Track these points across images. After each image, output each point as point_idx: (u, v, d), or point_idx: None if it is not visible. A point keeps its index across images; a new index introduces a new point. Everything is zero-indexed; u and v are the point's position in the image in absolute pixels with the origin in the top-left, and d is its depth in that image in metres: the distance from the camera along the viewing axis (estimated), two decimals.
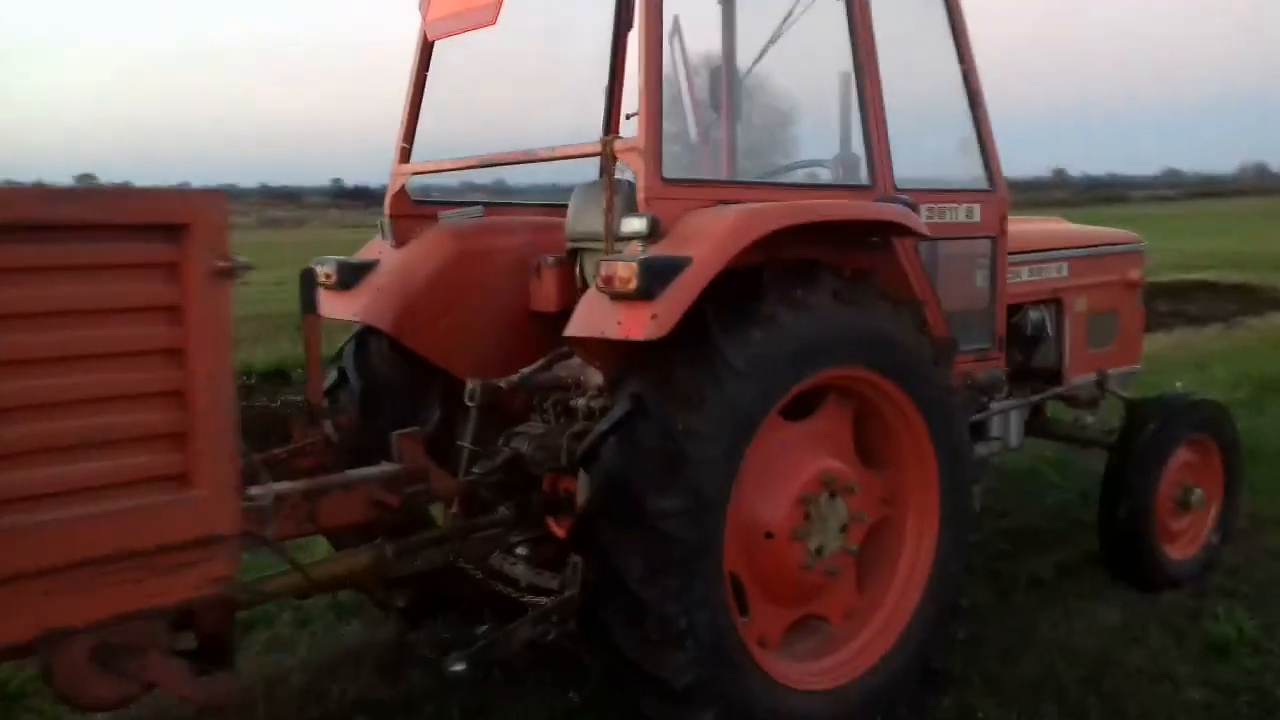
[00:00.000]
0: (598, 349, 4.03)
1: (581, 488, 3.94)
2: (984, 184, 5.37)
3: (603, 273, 3.81)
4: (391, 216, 5.10)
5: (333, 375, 5.05)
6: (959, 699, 4.64)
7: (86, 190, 3.01)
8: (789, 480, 4.20)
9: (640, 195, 4.03)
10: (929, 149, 5.57)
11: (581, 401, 4.38)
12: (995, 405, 5.70)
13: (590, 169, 5.10)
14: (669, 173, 4.12)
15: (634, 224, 3.99)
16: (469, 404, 4.61)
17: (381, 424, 4.49)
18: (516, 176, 6.01)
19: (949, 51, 5.25)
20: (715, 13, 5.80)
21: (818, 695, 4.22)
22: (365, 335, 5.04)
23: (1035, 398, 6.12)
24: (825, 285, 4.12)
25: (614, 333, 3.78)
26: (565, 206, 5.12)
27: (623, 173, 4.18)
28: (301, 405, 4.34)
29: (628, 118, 5.69)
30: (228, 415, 2.85)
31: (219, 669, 3.39)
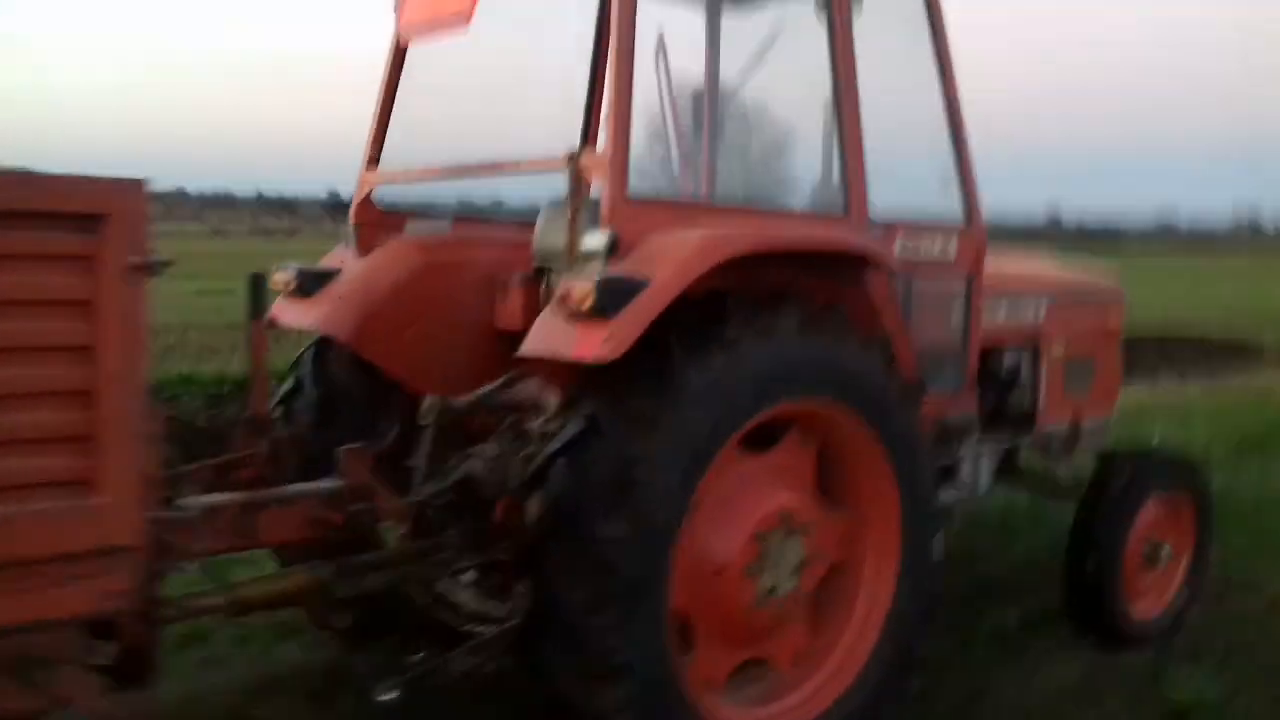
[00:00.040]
0: (554, 368, 3.93)
1: (531, 512, 3.82)
2: (962, 219, 5.28)
3: (559, 290, 3.71)
4: (356, 224, 4.99)
5: (289, 384, 4.93)
6: None
7: None
8: (744, 514, 4.08)
9: (603, 212, 3.94)
10: (908, 180, 5.48)
11: (536, 424, 4.26)
12: (965, 449, 5.60)
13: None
14: (637, 191, 4.04)
15: (593, 241, 3.89)
16: (423, 422, 4.48)
17: (337, 437, 4.35)
18: (501, 192, 5.92)
19: (934, 84, 5.19)
20: (700, 34, 5.76)
21: None
22: (325, 344, 4.91)
23: (1007, 443, 6.01)
24: (792, 314, 4.02)
25: (568, 353, 3.68)
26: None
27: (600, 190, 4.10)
28: (244, 416, 4.20)
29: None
30: (137, 419, 2.71)
31: (138, 686, 3.26)
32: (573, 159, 4.04)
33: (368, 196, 5.02)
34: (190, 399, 9.91)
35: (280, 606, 4.14)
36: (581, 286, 3.65)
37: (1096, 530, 5.71)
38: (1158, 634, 5.85)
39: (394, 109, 5.14)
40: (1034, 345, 6.04)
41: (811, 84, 4.77)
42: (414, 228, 5.07)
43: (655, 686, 3.73)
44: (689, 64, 5.83)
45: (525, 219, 5.39)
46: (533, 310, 4.86)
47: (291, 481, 4.08)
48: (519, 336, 4.64)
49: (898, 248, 4.89)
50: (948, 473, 5.47)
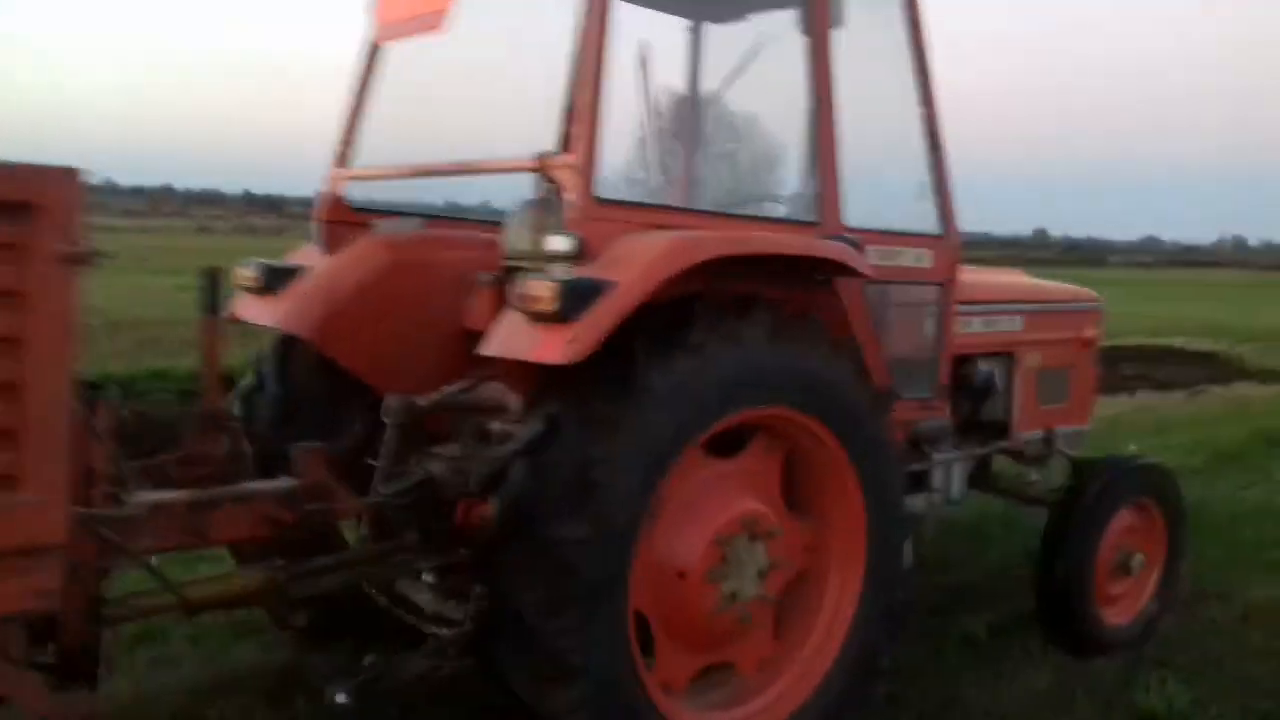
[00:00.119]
0: (515, 369, 3.88)
1: (491, 513, 3.77)
2: (937, 230, 5.27)
3: (521, 291, 3.67)
4: (323, 221, 4.93)
5: (250, 380, 4.86)
6: None
7: None
8: (707, 519, 4.05)
9: (570, 214, 3.90)
10: (885, 191, 5.48)
11: (499, 425, 4.22)
12: (937, 456, 5.58)
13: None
14: (606, 193, 4.00)
15: (558, 243, 3.85)
16: (385, 421, 4.43)
17: (299, 435, 4.30)
18: (483, 193, 5.87)
19: (913, 97, 5.19)
20: (682, 44, 5.78)
21: None
22: (289, 342, 4.85)
23: (980, 451, 5.99)
24: (760, 320, 3.99)
25: (529, 354, 3.63)
26: None
27: None
28: (197, 411, 4.13)
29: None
30: (65, 414, 2.64)
31: (81, 685, 3.20)
32: (541, 161, 3.99)
33: (336, 194, 4.96)
34: (164, 394, 9.81)
35: (232, 607, 4.08)
36: (544, 288, 3.61)
37: (1069, 537, 5.70)
38: (1129, 642, 5.83)
39: (371, 108, 5.09)
40: (1009, 355, 6.04)
41: (790, 95, 4.77)
42: (383, 227, 5.01)
43: (612, 688, 3.69)
44: (672, 74, 5.84)
45: (498, 220, 5.35)
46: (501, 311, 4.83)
47: (252, 479, 4.01)
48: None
49: (871, 256, 4.88)
50: (920, 480, 5.46)
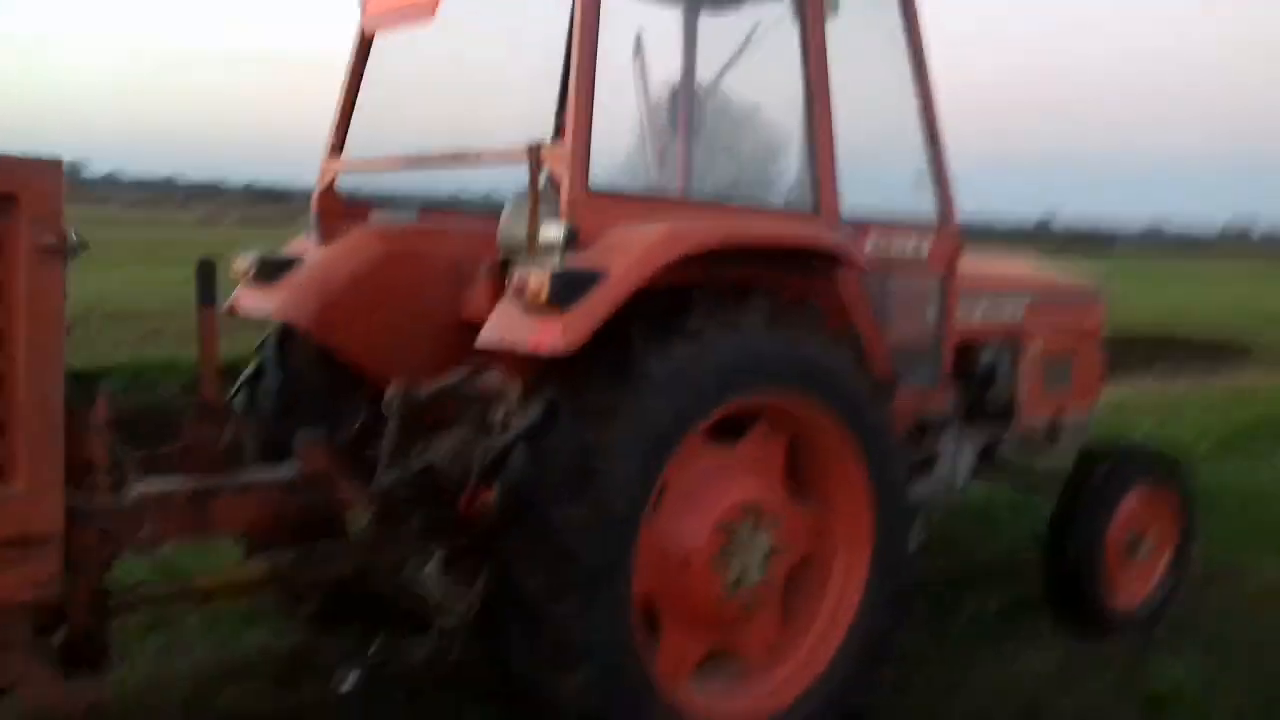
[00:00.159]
0: (516, 358, 3.88)
1: (492, 500, 3.78)
2: (936, 218, 5.26)
3: (515, 281, 3.67)
4: (319, 213, 4.93)
5: (250, 370, 4.87)
6: None
7: None
8: (710, 505, 4.04)
9: (563, 203, 3.90)
10: (884, 180, 5.47)
11: (499, 414, 4.21)
12: (943, 443, 5.56)
13: None
14: (600, 183, 4.00)
15: (550, 232, 3.85)
16: (386, 411, 4.43)
17: (300, 425, 4.30)
18: (483, 184, 5.87)
19: (910, 85, 5.19)
20: (678, 31, 5.75)
21: None
22: (288, 332, 4.86)
23: (987, 438, 5.97)
24: (758, 308, 3.99)
25: (524, 344, 3.65)
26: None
27: None
28: (195, 402, 4.12)
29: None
30: (53, 406, 2.63)
31: (90, 673, 3.20)
32: (533, 150, 3.98)
33: (331, 185, 4.97)
34: (170, 385, 9.81)
35: (239, 596, 4.09)
36: (537, 277, 3.62)
37: (1077, 520, 5.69)
38: (1139, 624, 5.82)
39: (366, 99, 5.09)
40: (1013, 342, 6.01)
41: (786, 83, 4.75)
42: (378, 217, 5.01)
43: (616, 673, 3.70)
44: (668, 63, 5.82)
45: (496, 210, 5.34)
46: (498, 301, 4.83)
47: (253, 469, 4.01)
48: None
49: (870, 246, 4.87)
50: (925, 466, 5.45)
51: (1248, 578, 6.64)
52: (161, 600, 3.61)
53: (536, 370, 3.84)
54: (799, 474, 4.40)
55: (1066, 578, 5.70)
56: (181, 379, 9.60)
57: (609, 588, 3.65)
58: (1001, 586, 6.28)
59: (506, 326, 3.73)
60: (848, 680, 4.32)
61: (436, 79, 5.18)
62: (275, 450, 4.18)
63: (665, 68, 5.81)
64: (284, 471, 3.85)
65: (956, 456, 5.69)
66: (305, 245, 4.94)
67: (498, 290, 4.83)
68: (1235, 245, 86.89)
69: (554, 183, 4.03)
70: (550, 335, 3.56)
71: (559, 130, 5.99)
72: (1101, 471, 5.77)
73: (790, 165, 5.04)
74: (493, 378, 4.53)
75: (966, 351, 5.71)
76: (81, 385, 3.17)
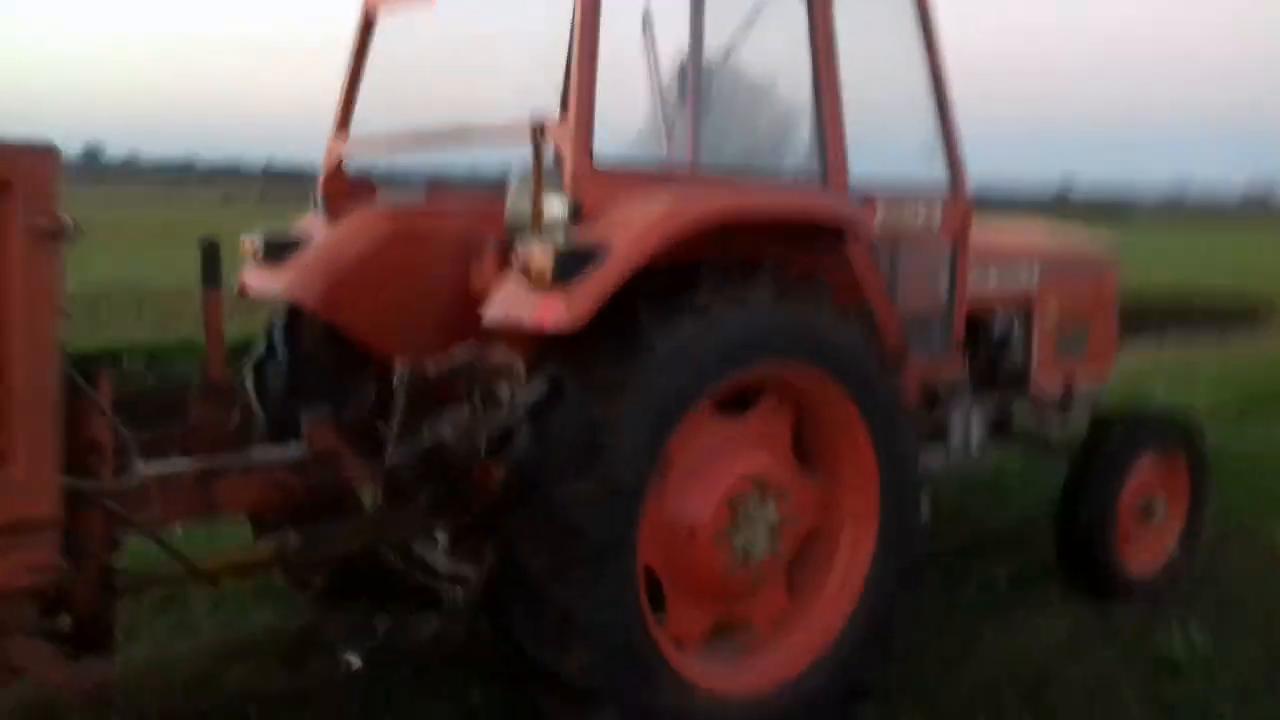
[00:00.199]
0: (517, 335, 3.89)
1: (499, 476, 3.79)
2: (947, 186, 5.23)
3: (519, 258, 3.67)
4: (326, 193, 4.93)
5: (260, 350, 4.90)
6: (887, 712, 4.49)
7: None
8: (717, 478, 4.05)
9: (566, 178, 3.89)
10: (893, 149, 5.43)
11: (506, 389, 4.22)
12: (954, 411, 5.55)
13: None
14: (608, 157, 3.99)
15: (554, 208, 3.84)
16: (396, 388, 4.44)
17: (310, 403, 4.33)
18: (492, 161, 5.86)
19: (919, 53, 5.16)
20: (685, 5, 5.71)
21: (735, 701, 4.06)
22: (296, 312, 4.88)
23: (999, 406, 5.95)
24: (765, 280, 3.98)
25: (528, 321, 3.65)
26: None
27: None
28: (200, 383, 4.13)
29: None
30: (51, 391, 2.65)
31: (97, 654, 3.23)
32: (536, 126, 3.97)
33: (338, 165, 4.97)
34: (187, 365, 9.87)
35: (247, 575, 4.11)
36: (540, 254, 3.62)
37: (1090, 484, 5.69)
38: (1152, 589, 5.82)
39: (370, 77, 5.09)
40: (1026, 310, 5.99)
41: (794, 54, 4.72)
42: (385, 196, 5.02)
43: (623, 647, 3.71)
44: (676, 36, 5.78)
45: (503, 188, 5.34)
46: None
47: (261, 448, 4.03)
48: None
49: (880, 215, 4.84)
50: (936, 434, 5.44)
51: (1260, 543, 6.64)
52: (168, 582, 3.63)
53: (540, 343, 3.84)
54: (807, 447, 4.40)
55: (1079, 543, 5.70)
56: (200, 359, 9.67)
57: (616, 563, 3.66)
58: (1011, 555, 6.29)
59: (511, 303, 3.73)
60: (855, 653, 4.33)
61: (441, 56, 5.18)
62: (283, 430, 4.21)
63: (673, 40, 5.78)
64: (291, 451, 3.86)
65: (969, 425, 5.66)
66: (312, 225, 4.95)
67: (504, 268, 4.85)
68: (1257, 212, 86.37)
69: (558, 158, 4.03)
70: (554, 312, 3.56)
71: (564, 106, 5.99)
72: (1114, 436, 5.77)
73: (799, 136, 5.01)
74: (500, 353, 4.55)
75: (979, 320, 5.70)
76: (97, 366, 3.19)
